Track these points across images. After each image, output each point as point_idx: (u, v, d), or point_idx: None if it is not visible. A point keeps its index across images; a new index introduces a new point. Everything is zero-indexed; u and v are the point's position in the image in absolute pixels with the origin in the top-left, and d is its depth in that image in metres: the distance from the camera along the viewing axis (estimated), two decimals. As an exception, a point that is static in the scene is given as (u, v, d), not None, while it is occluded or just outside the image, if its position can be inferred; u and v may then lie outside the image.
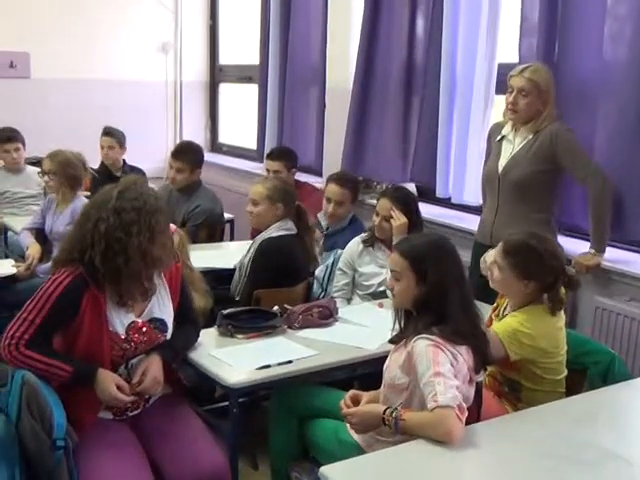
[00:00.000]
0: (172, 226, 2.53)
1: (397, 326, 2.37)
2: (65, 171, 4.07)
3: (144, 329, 2.44)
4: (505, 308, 2.74)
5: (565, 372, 2.67)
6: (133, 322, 2.42)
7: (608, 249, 3.29)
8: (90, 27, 6.15)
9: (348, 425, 2.36)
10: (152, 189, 2.48)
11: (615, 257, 3.31)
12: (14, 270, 3.92)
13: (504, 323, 2.60)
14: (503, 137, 3.44)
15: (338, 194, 3.96)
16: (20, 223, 4.50)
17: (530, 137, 3.31)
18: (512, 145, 3.39)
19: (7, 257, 4.60)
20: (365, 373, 3.01)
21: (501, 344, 2.51)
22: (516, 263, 2.58)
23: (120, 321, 2.39)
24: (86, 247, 2.29)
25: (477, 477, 1.92)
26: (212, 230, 4.53)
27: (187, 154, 4.55)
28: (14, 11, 5.77)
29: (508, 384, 2.66)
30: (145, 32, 6.46)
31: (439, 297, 2.24)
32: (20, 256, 4.25)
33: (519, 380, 2.63)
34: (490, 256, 2.73)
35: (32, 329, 2.28)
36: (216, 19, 6.80)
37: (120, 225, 2.28)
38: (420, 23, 4.34)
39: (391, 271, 2.36)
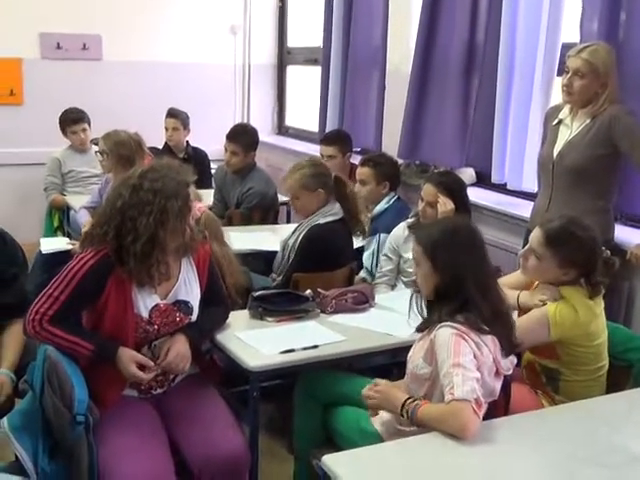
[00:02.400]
0: (200, 205, 2.50)
1: (419, 312, 2.32)
2: (118, 151, 4.13)
3: (167, 312, 2.45)
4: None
5: (605, 362, 2.57)
6: (157, 305, 2.43)
7: (668, 240, 3.11)
8: (160, 10, 6.22)
9: (369, 413, 2.32)
10: (183, 176, 2.43)
11: (675, 248, 3.12)
12: (69, 247, 4.02)
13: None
14: (560, 121, 3.30)
15: (360, 173, 3.97)
16: (82, 202, 4.62)
17: (588, 121, 3.16)
18: (569, 130, 3.24)
19: (69, 234, 4.74)
20: (402, 361, 2.94)
21: (543, 324, 2.44)
22: (558, 252, 2.50)
23: (144, 303, 2.40)
24: (104, 222, 2.31)
25: (487, 474, 1.82)
26: (265, 213, 4.54)
27: (241, 137, 4.56)
28: (87, -4, 5.89)
29: (546, 373, 2.58)
30: (214, 14, 6.47)
31: (455, 282, 2.17)
32: (79, 233, 4.36)
33: (558, 368, 2.54)
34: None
35: (56, 305, 2.31)
36: (285, 0, 6.75)
37: (134, 203, 2.29)
38: (481, 5, 4.19)
39: (413, 258, 2.31)
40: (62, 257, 4.03)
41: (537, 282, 2.66)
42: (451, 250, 2.19)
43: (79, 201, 4.72)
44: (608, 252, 2.59)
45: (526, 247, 2.63)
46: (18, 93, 5.89)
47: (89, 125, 5.27)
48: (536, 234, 2.55)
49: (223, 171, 4.71)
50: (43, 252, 3.99)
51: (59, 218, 5.13)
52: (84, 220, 4.28)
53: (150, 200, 2.28)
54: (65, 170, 5.19)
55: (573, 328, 2.46)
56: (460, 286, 2.15)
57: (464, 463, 1.87)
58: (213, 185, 4.92)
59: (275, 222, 4.70)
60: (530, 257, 2.55)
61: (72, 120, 5.20)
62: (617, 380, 2.60)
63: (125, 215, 2.29)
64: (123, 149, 4.14)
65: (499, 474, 1.84)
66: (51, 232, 5.06)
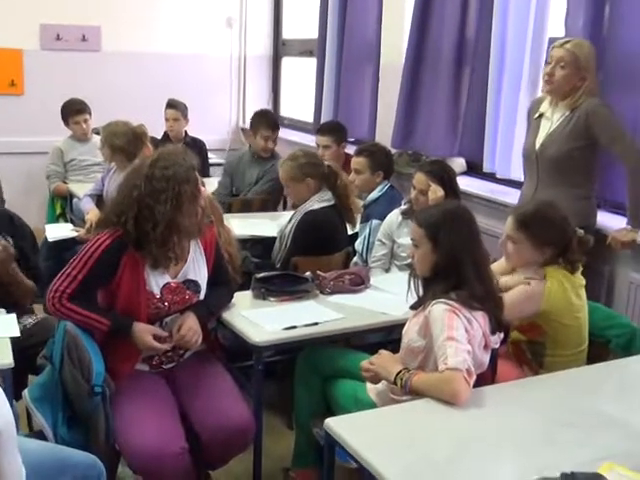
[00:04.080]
0: (202, 189, 2.65)
1: (415, 294, 2.48)
2: (112, 141, 4.28)
3: (178, 290, 2.60)
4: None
5: (586, 342, 2.74)
6: (167, 283, 2.58)
7: (646, 226, 3.27)
8: (158, 2, 6.37)
9: (367, 384, 2.49)
10: (189, 161, 2.58)
11: (653, 234, 3.28)
12: (74, 233, 4.18)
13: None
14: (541, 114, 3.44)
15: (355, 162, 4.07)
16: (85, 189, 4.75)
17: (567, 113, 3.31)
18: (550, 122, 3.38)
19: (72, 221, 4.88)
20: (396, 339, 3.11)
21: (531, 298, 2.63)
22: (531, 233, 2.69)
23: (155, 282, 2.55)
24: (122, 211, 2.47)
25: (475, 435, 1.99)
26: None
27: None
28: (86, -14, 6.01)
29: (531, 350, 2.75)
30: (211, 7, 6.60)
31: (453, 262, 2.34)
32: (82, 220, 4.51)
33: (544, 342, 2.71)
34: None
35: (74, 284, 2.47)
36: (281, -7, 6.90)
37: (150, 192, 2.43)
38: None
39: (411, 240, 2.47)
40: (67, 243, 4.22)
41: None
42: (452, 232, 2.36)
43: (81, 189, 4.84)
44: (581, 231, 2.77)
45: (503, 235, 2.80)
46: (19, 83, 6.02)
47: (90, 115, 5.37)
48: (509, 220, 2.75)
49: (237, 157, 4.92)
50: (50, 239, 4.14)
51: (61, 205, 5.24)
52: (88, 207, 4.43)
53: (164, 187, 2.43)
54: (67, 159, 5.29)
55: (561, 300, 2.64)
56: (457, 266, 2.33)
57: (455, 425, 2.04)
58: (220, 172, 5.15)
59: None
60: (508, 243, 2.73)
61: (75, 111, 5.30)
62: (597, 355, 2.77)
63: (142, 204, 2.43)
64: (117, 140, 4.28)
65: (486, 434, 2.01)
66: (54, 219, 5.18)
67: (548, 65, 3.32)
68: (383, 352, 2.46)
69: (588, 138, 3.25)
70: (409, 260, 3.53)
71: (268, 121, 4.93)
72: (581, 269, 2.78)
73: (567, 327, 2.69)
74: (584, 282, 2.77)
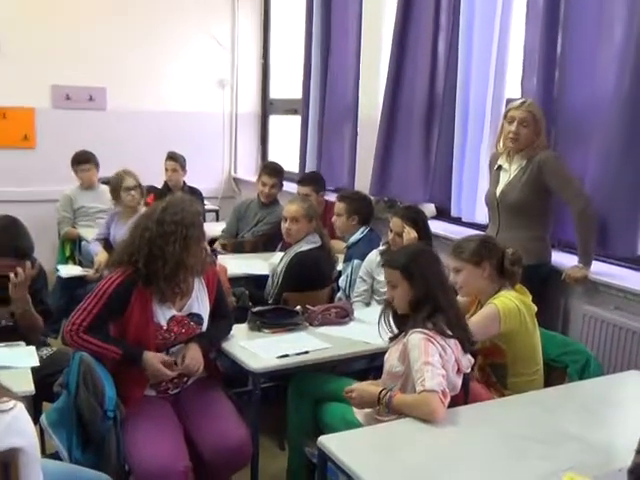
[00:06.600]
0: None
1: (387, 328, 2.56)
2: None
3: (183, 322, 2.64)
4: (477, 306, 2.88)
5: (541, 364, 2.83)
6: (173, 316, 2.62)
7: (596, 263, 3.36)
8: (158, 66, 6.46)
9: (353, 407, 2.53)
10: (195, 207, 2.67)
11: (602, 270, 3.37)
12: (85, 273, 4.22)
13: (497, 300, 2.76)
14: (500, 166, 3.53)
15: (336, 207, 4.14)
16: (93, 234, 4.80)
17: (523, 164, 3.40)
18: (508, 173, 3.47)
19: (80, 262, 4.90)
20: (378, 366, 3.15)
21: (494, 319, 2.70)
22: (466, 255, 2.80)
23: (163, 314, 2.60)
24: (133, 251, 2.52)
25: (452, 450, 2.04)
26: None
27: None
28: (94, 54, 6.10)
29: (495, 372, 2.81)
30: (205, 69, 6.72)
31: (429, 294, 2.41)
32: (90, 262, 4.54)
33: (504, 363, 2.78)
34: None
35: (90, 317, 2.51)
36: (267, 58, 7.02)
37: (160, 234, 2.50)
38: (439, 64, 4.45)
39: (387, 282, 2.53)
40: (77, 282, 4.25)
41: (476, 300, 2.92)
42: (423, 267, 2.44)
43: (89, 233, 4.88)
44: (510, 249, 2.86)
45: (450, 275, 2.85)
46: (31, 138, 6.08)
47: (97, 166, 5.41)
48: (448, 258, 2.85)
49: (245, 203, 5.06)
50: (63, 276, 4.17)
51: (70, 248, 5.25)
52: (96, 250, 4.48)
53: (174, 230, 2.49)
54: (76, 206, 5.31)
55: (515, 316, 2.72)
56: (431, 297, 2.40)
57: (433, 441, 2.09)
58: (227, 218, 5.24)
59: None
60: (454, 276, 2.81)
61: (82, 161, 5.35)
62: (555, 379, 2.85)
63: (153, 244, 2.49)
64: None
65: (461, 449, 2.05)
66: (64, 260, 5.18)
67: (510, 124, 3.40)
68: (351, 387, 2.51)
69: (541, 186, 3.34)
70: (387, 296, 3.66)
71: (269, 170, 5.02)
72: (531, 297, 2.85)
73: (524, 346, 2.76)
74: (536, 309, 2.84)
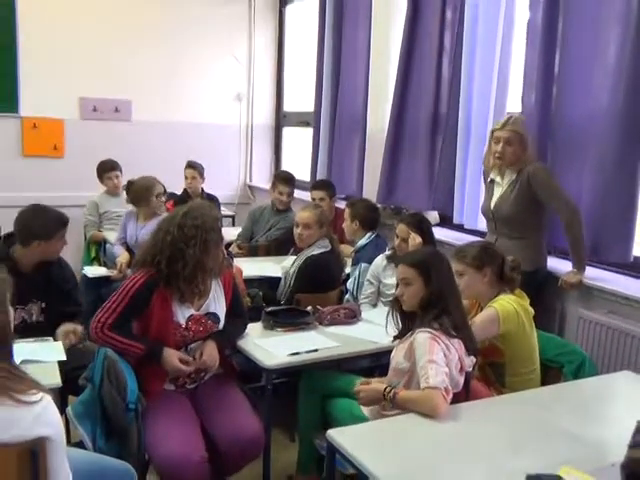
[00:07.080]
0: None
1: (395, 325, 2.55)
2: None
3: (200, 321, 2.65)
4: (478, 309, 2.86)
5: (538, 364, 2.80)
6: (192, 315, 2.63)
7: (590, 269, 3.34)
8: (180, 80, 6.47)
9: (360, 405, 2.52)
10: (214, 212, 2.69)
11: (596, 275, 3.35)
12: (109, 273, 4.25)
13: (496, 303, 2.74)
14: (492, 180, 3.53)
15: (344, 213, 4.14)
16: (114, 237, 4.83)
17: (514, 177, 3.38)
18: (500, 187, 3.46)
19: (105, 264, 4.92)
20: (383, 364, 3.14)
21: (493, 322, 2.68)
22: (471, 260, 2.78)
23: (182, 313, 2.61)
24: (156, 253, 2.53)
25: (453, 443, 2.03)
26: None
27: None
28: (120, 69, 6.14)
29: (494, 371, 2.79)
30: (223, 84, 6.74)
31: (441, 295, 2.40)
32: (113, 263, 4.57)
33: (503, 362, 2.76)
34: None
35: (114, 315, 2.52)
36: (282, 73, 7.04)
37: (181, 238, 2.50)
38: (443, 82, 4.45)
39: (401, 280, 2.50)
40: (102, 282, 4.27)
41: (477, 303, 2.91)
42: (439, 267, 2.44)
43: (113, 236, 4.90)
44: (510, 257, 2.85)
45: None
46: (60, 148, 6.11)
47: (121, 173, 5.45)
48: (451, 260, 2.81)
49: (260, 208, 5.09)
50: (90, 276, 4.20)
51: (96, 250, 5.27)
52: (119, 252, 4.51)
53: (194, 234, 2.50)
54: (102, 211, 5.34)
55: (513, 319, 2.70)
56: (442, 298, 2.39)
57: (436, 435, 2.08)
58: (243, 222, 5.25)
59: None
60: (459, 279, 2.79)
61: (108, 168, 5.39)
62: (551, 379, 2.82)
63: (174, 247, 2.50)
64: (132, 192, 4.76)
65: (462, 443, 2.04)
66: (89, 262, 5.20)
67: (496, 144, 3.37)
68: (359, 387, 2.49)
69: (531, 197, 3.31)
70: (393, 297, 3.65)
71: (284, 179, 5.04)
72: (529, 301, 2.84)
73: (522, 347, 2.74)
74: (533, 312, 2.83)
